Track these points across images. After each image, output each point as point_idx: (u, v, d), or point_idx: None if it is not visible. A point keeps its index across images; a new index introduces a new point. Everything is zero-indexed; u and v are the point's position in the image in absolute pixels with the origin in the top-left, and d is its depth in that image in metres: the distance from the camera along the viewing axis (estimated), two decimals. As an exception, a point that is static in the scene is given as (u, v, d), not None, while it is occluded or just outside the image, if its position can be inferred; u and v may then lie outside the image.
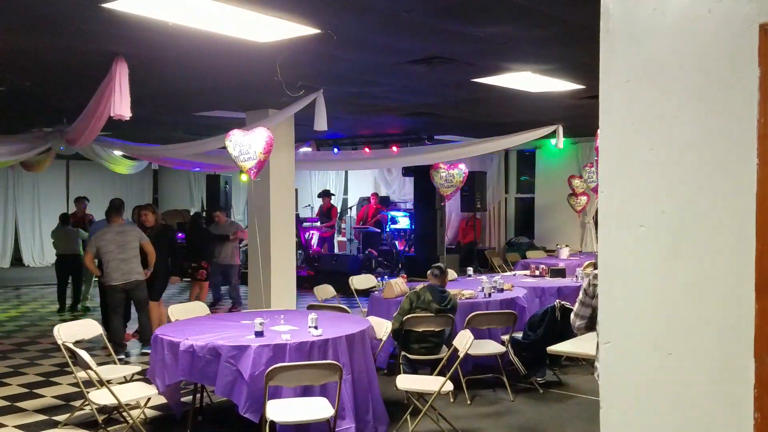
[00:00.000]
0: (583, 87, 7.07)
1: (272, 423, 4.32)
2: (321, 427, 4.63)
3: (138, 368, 5.61)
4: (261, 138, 6.32)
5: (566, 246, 11.32)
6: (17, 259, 16.85)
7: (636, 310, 2.16)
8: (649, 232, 2.11)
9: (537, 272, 8.66)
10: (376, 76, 6.50)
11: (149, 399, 5.07)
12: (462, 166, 9.51)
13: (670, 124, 2.03)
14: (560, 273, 8.47)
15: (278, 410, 4.35)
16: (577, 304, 3.64)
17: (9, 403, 5.97)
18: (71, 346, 4.86)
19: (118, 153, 11.24)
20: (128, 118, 5.66)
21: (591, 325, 3.60)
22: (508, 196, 14.53)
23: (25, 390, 6.41)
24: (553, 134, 9.91)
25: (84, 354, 4.61)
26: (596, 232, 12.95)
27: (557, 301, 6.34)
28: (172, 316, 5.91)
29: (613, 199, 2.18)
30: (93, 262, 7.60)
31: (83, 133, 7.12)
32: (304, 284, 11.57)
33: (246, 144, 6.32)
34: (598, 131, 2.26)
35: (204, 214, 14.96)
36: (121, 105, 5.66)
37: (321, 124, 6.93)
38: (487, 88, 7.13)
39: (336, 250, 15.08)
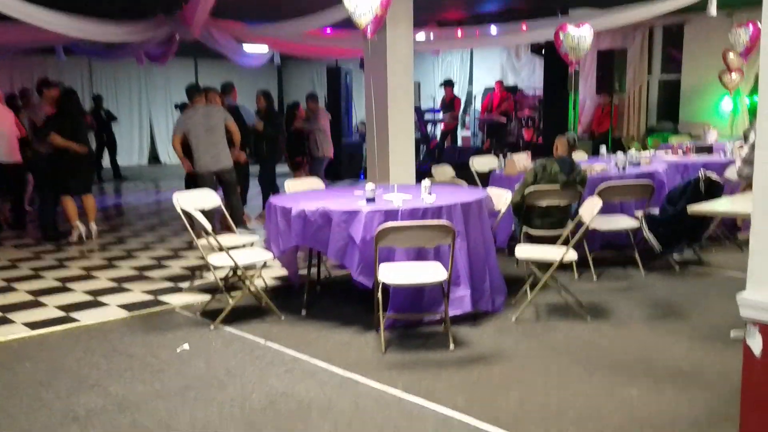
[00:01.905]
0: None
1: (385, 287, 4.30)
2: (435, 293, 4.57)
3: (257, 238, 5.78)
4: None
5: (714, 128, 10.37)
6: (154, 157, 17.98)
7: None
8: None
9: (680, 151, 7.97)
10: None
11: (265, 264, 5.18)
12: (588, 27, 8.69)
13: None
14: (707, 150, 7.74)
15: (390, 273, 4.32)
16: (747, 149, 3.22)
17: (138, 273, 6.42)
18: (190, 210, 5.01)
19: (248, 48, 11.35)
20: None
21: None
22: (650, 78, 13.38)
23: (154, 262, 6.87)
24: (705, 1, 8.87)
25: (200, 216, 4.77)
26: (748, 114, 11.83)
27: (702, 170, 5.77)
28: (288, 189, 5.99)
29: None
30: (180, 145, 7.57)
31: (197, 11, 7.14)
32: (425, 177, 11.41)
33: (365, -1, 5.97)
34: None
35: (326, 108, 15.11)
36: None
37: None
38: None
39: (460, 144, 14.77)
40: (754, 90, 11.62)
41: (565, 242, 5.15)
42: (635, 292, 5.30)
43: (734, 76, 11.10)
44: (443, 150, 13.35)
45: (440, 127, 14.42)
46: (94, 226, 8.00)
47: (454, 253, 4.28)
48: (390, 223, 4.23)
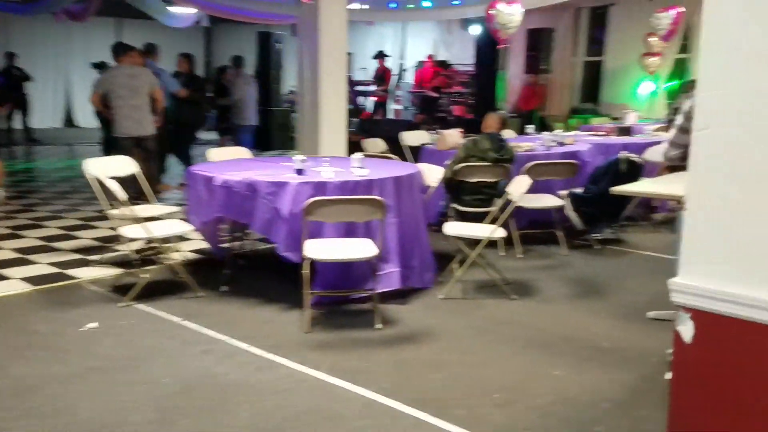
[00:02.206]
0: None
1: (312, 263, 4.14)
2: (363, 269, 4.44)
3: (176, 209, 5.48)
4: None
5: (634, 111, 10.60)
6: (69, 121, 17.05)
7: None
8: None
9: (602, 132, 8.10)
10: None
11: (183, 236, 4.91)
12: (518, 5, 8.68)
13: None
14: (626, 131, 7.89)
15: (318, 249, 4.15)
16: (674, 131, 3.20)
17: (45, 243, 6.00)
18: (104, 178, 4.67)
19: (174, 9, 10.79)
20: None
21: (686, 155, 3.15)
22: (575, 59, 13.59)
23: (63, 232, 6.44)
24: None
25: (114, 184, 4.44)
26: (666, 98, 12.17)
27: (623, 152, 5.85)
28: (211, 158, 5.71)
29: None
30: (100, 103, 7.18)
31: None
32: (356, 150, 11.24)
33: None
34: None
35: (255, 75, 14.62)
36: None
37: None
38: None
39: (392, 117, 14.63)
40: (674, 74, 11.96)
41: (494, 220, 5.14)
42: (558, 270, 5.33)
43: (654, 59, 11.37)
44: (375, 122, 13.16)
45: (372, 99, 14.24)
46: (1, 192, 7.45)
47: (384, 228, 4.16)
48: (318, 198, 4.06)
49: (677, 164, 3.32)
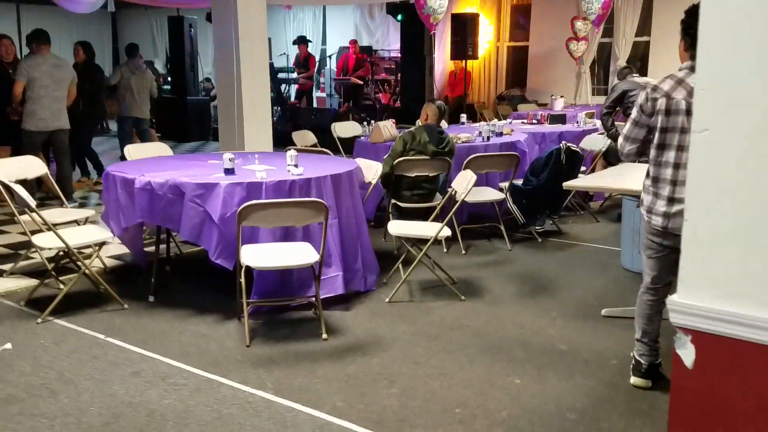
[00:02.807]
0: None
1: (249, 270, 3.82)
2: (304, 274, 4.17)
3: (92, 212, 5.02)
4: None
5: (561, 97, 10.69)
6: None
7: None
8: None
9: (535, 120, 8.07)
10: None
11: (103, 244, 4.49)
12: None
13: None
14: (560, 119, 7.89)
15: (255, 255, 3.84)
16: (628, 125, 3.05)
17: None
18: (6, 181, 4.18)
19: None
20: None
21: (643, 149, 3.03)
22: (500, 45, 13.60)
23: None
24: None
25: (21, 190, 3.97)
26: (592, 83, 12.38)
27: (563, 143, 5.78)
28: (129, 156, 5.27)
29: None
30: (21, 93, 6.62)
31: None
32: (282, 141, 10.86)
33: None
34: None
35: (167, 63, 13.93)
36: None
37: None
38: None
39: (315, 105, 14.25)
40: (600, 59, 12.12)
41: (436, 216, 4.96)
42: (503, 266, 5.20)
43: (581, 44, 11.48)
44: (300, 111, 12.75)
45: (294, 87, 13.80)
46: None
47: (326, 233, 3.89)
48: (254, 201, 3.74)
49: (633, 160, 3.19)
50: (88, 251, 4.69)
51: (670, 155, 2.89)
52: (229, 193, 4.02)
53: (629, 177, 3.86)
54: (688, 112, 2.82)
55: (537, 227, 5.98)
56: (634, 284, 4.51)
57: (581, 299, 4.44)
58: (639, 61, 12.02)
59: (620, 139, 3.14)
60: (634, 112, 3.04)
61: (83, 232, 4.43)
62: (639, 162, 3.33)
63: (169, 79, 12.97)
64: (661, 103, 2.88)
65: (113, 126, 14.25)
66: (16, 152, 6.65)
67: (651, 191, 2.99)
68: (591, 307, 4.26)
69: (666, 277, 3.11)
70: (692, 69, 2.89)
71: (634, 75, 6.69)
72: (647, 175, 3.03)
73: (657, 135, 2.91)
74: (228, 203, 4.00)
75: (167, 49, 13.44)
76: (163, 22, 14.93)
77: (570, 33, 11.42)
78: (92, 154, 8.16)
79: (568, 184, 3.92)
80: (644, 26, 11.73)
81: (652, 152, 2.96)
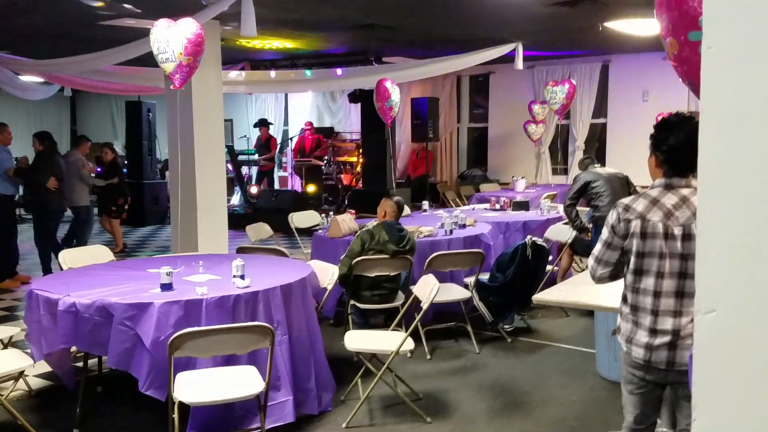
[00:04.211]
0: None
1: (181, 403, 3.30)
2: (248, 403, 3.64)
3: (17, 330, 4.45)
4: (183, 33, 5.02)
5: (522, 178, 10.52)
6: None
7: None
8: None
9: (498, 206, 7.79)
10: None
11: (22, 373, 3.93)
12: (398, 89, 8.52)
13: None
14: (523, 206, 7.62)
15: (189, 386, 3.33)
16: (599, 247, 2.66)
17: None
18: None
19: (27, 78, 9.65)
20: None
21: (617, 273, 2.65)
22: (460, 126, 13.54)
23: None
24: (510, 56, 8.97)
25: None
26: (551, 163, 12.32)
27: (529, 237, 5.45)
28: (64, 263, 4.75)
29: (728, 56, 1.16)
30: None
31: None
32: (242, 224, 10.42)
33: (165, 40, 5.04)
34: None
35: (125, 145, 13.56)
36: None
37: (248, 28, 5.69)
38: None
39: (277, 186, 13.91)
40: (555, 140, 12.08)
41: (399, 318, 4.55)
42: (472, 374, 4.72)
43: (539, 127, 11.44)
44: (261, 194, 12.36)
45: (256, 168, 13.48)
46: None
47: (273, 355, 3.41)
48: (188, 329, 3.25)
49: (606, 282, 2.78)
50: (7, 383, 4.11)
51: (649, 282, 2.52)
52: (163, 313, 3.53)
53: (603, 288, 3.48)
54: (666, 236, 2.48)
55: (506, 326, 5.58)
56: (614, 398, 4.08)
57: (559, 419, 3.95)
58: (597, 141, 12.02)
59: (591, 261, 2.75)
60: (605, 233, 2.66)
61: (1, 360, 3.87)
62: None
63: (126, 162, 12.58)
64: (636, 226, 2.52)
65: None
66: None
67: (630, 319, 2.60)
68: (570, 429, 3.80)
69: (651, 416, 2.69)
70: (666, 187, 2.56)
71: (596, 165, 6.49)
72: (624, 299, 2.64)
73: (633, 259, 2.55)
74: (162, 325, 3.51)
75: (125, 131, 13.11)
76: (122, 104, 14.64)
77: (528, 116, 11.38)
78: (46, 250, 7.52)
79: (537, 298, 3.53)
80: (600, 109, 11.78)
81: (629, 277, 2.59)
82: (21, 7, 6.48)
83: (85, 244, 7.87)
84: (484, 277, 5.54)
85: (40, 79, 9.63)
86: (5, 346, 4.27)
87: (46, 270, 7.41)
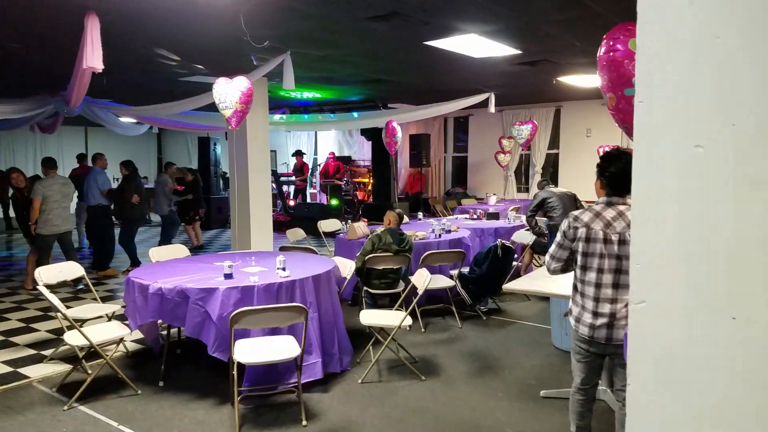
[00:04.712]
0: (520, 52, 5.99)
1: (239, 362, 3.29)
2: (288, 363, 3.63)
3: (117, 307, 4.46)
4: (238, 87, 5.06)
5: (494, 194, 10.47)
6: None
7: (688, 259, 1.15)
8: (710, 153, 1.11)
9: (475, 216, 7.75)
10: (338, 35, 5.28)
11: (122, 340, 3.94)
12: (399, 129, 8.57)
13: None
14: (495, 216, 7.57)
15: (245, 350, 3.33)
16: (553, 247, 2.65)
17: (4, 338, 4.78)
18: (43, 289, 3.67)
19: (125, 119, 9.72)
20: (100, 70, 4.33)
21: (567, 267, 2.63)
22: (446, 155, 13.51)
23: (23, 325, 5.21)
24: (485, 102, 8.93)
25: (53, 298, 3.46)
26: (516, 183, 12.26)
27: (499, 240, 5.41)
28: (153, 257, 4.76)
29: (655, 108, 1.15)
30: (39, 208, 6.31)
31: (73, 92, 5.71)
32: (282, 228, 10.44)
33: (227, 92, 5.06)
34: (638, 11, 1.20)
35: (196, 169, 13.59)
36: (93, 57, 4.30)
37: (289, 83, 5.70)
38: (436, 53, 5.99)
39: (308, 200, 13.91)
40: (519, 166, 12.01)
41: (400, 301, 4.52)
42: (456, 344, 4.70)
43: (506, 156, 11.38)
44: (297, 206, 12.39)
45: (293, 187, 13.51)
46: None
47: (306, 327, 3.40)
48: (244, 308, 3.25)
49: (558, 275, 2.76)
50: (111, 345, 4.11)
51: (592, 276, 2.51)
52: (226, 295, 3.54)
53: (557, 280, 3.45)
54: (606, 241, 2.47)
55: (481, 307, 5.54)
56: (564, 363, 4.06)
57: (522, 379, 3.92)
58: (551, 167, 11.96)
59: (547, 258, 2.73)
60: (558, 236, 2.65)
61: (106, 329, 3.88)
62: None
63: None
64: (582, 232, 2.52)
65: (155, 218, 13.80)
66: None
67: (579, 304, 2.58)
68: (531, 387, 3.77)
69: (593, 379, 2.66)
70: (608, 204, 2.54)
71: (551, 185, 6.44)
72: (574, 288, 2.62)
73: (579, 257, 2.54)
74: (225, 305, 3.52)
75: (197, 159, 13.15)
76: (195, 139, 14.72)
77: (498, 147, 11.33)
78: (130, 247, 7.56)
79: (507, 287, 3.50)
80: (554, 142, 11.71)
81: (577, 271, 2.58)
82: (122, 65, 6.50)
83: (170, 242, 7.93)
84: (465, 270, 5.51)
85: (134, 120, 9.66)
86: (109, 319, 4.28)
87: (134, 261, 7.39)
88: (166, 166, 9.30)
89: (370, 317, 4.13)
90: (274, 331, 3.63)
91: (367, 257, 4.87)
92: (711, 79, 1.07)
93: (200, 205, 9.42)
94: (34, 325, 5.20)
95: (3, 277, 7.39)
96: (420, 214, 7.98)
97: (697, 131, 1.09)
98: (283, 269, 3.91)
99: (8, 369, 4.11)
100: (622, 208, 2.50)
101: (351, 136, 14.59)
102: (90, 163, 8.05)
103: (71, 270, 4.47)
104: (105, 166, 7.60)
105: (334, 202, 12.28)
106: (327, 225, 7.15)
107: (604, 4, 4.31)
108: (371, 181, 12.39)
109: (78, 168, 9.65)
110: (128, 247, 7.49)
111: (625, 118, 2.51)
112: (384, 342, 4.01)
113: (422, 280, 4.07)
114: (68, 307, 4.11)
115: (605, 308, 2.48)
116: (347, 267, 4.57)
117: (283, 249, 5.31)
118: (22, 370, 4.08)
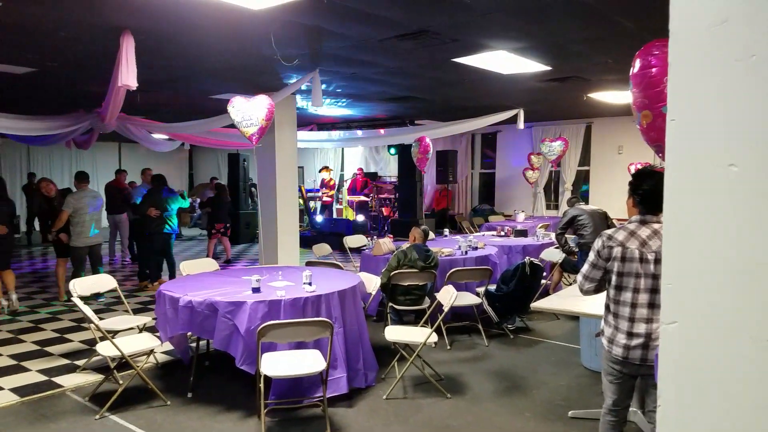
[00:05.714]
0: (549, 68, 5.98)
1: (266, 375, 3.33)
2: (314, 377, 3.65)
3: (148, 319, 4.56)
4: (263, 105, 5.19)
5: (522, 211, 10.37)
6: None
7: (721, 279, 1.14)
8: (744, 172, 1.10)
9: (503, 233, 7.68)
10: (367, 53, 5.37)
11: (152, 351, 4.03)
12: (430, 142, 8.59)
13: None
14: (523, 233, 7.50)
15: (271, 364, 3.37)
16: (586, 266, 2.61)
17: (38, 348, 4.94)
18: (78, 301, 3.80)
19: (158, 136, 10.05)
20: (135, 88, 4.51)
21: (600, 287, 2.60)
22: (473, 171, 13.48)
23: (57, 335, 5.38)
24: (514, 118, 8.91)
25: (86, 310, 3.57)
26: (545, 200, 12.13)
27: (527, 258, 5.36)
28: (183, 271, 4.87)
29: (688, 126, 1.15)
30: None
31: (108, 109, 5.94)
32: (310, 243, 10.55)
33: (248, 110, 5.20)
34: (670, 29, 1.20)
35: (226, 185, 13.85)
36: (128, 75, 4.50)
37: (317, 100, 5.82)
38: (465, 70, 6.03)
39: (335, 215, 14.02)
40: (549, 182, 11.90)
41: (426, 317, 4.50)
42: (482, 362, 4.64)
43: (535, 173, 11.29)
44: (322, 221, 12.51)
45: (320, 202, 13.64)
46: (14, 296, 6.36)
47: (332, 342, 3.42)
48: (271, 322, 3.30)
49: (591, 295, 2.72)
50: (142, 356, 4.21)
51: (627, 296, 2.47)
52: (254, 309, 3.60)
53: (587, 299, 3.40)
54: (642, 260, 2.43)
55: (509, 325, 5.47)
56: (594, 384, 3.97)
57: (549, 399, 3.86)
58: (582, 184, 11.80)
59: (579, 278, 2.69)
60: (591, 256, 2.60)
61: (137, 341, 3.97)
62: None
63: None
64: (617, 252, 2.48)
65: (186, 231, 14.08)
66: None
67: (612, 324, 2.54)
68: (558, 407, 3.70)
69: (626, 400, 2.60)
70: (642, 222, 2.51)
71: (581, 203, 6.36)
72: (607, 308, 2.58)
73: (614, 277, 2.50)
74: (253, 318, 3.57)
75: (227, 175, 13.43)
76: (225, 155, 15.04)
77: (527, 164, 11.25)
78: (171, 261, 7.51)
79: (535, 306, 3.46)
80: (585, 158, 11.58)
81: (611, 291, 2.53)
82: (154, 84, 6.74)
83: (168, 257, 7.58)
84: (492, 287, 5.46)
85: (166, 137, 9.96)
86: (140, 331, 4.38)
87: (172, 274, 7.35)
88: (116, 173, 9.43)
89: (395, 333, 4.13)
90: (300, 345, 3.66)
91: (392, 273, 4.88)
92: (746, 97, 1.07)
93: (220, 220, 9.33)
94: (68, 336, 5.35)
95: (38, 288, 7.63)
96: (446, 231, 7.95)
97: (732, 150, 1.09)
98: (310, 284, 3.95)
99: (43, 378, 4.24)
100: (656, 226, 2.46)
101: (378, 153, 14.71)
102: (128, 179, 8.33)
103: (104, 282, 4.61)
104: (147, 180, 7.88)
105: (360, 218, 12.34)
106: (353, 241, 7.19)
107: (636, 21, 4.29)
108: (396, 197, 12.43)
109: (113, 181, 9.96)
110: (146, 260, 7.48)
111: (659, 136, 2.49)
112: (409, 358, 3.99)
113: (448, 296, 4.05)
114: (101, 319, 4.23)
115: (640, 328, 2.43)
116: (373, 283, 4.59)
117: (309, 264, 5.37)
118: (56, 379, 4.21)
